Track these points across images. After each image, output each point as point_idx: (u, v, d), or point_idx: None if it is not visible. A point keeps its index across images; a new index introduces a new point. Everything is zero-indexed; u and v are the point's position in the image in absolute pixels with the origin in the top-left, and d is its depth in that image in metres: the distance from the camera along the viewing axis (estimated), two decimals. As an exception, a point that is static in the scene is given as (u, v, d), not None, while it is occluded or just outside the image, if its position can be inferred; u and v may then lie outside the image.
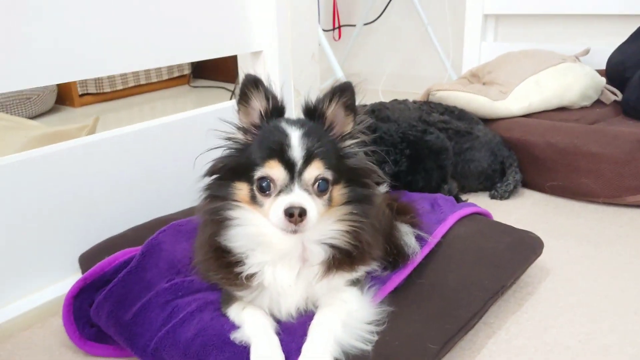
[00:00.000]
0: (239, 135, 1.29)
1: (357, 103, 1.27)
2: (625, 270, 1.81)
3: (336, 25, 5.04)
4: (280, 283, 1.26)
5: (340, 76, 3.51)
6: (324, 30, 4.89)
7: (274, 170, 1.17)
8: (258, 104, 1.27)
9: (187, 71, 5.62)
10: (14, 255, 1.67)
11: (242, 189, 1.24)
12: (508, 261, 1.64)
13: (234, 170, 1.25)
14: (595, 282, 1.74)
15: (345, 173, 1.25)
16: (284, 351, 1.21)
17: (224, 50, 2.23)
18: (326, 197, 1.21)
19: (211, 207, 1.28)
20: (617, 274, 1.79)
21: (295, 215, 1.12)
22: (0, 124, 2.78)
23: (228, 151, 1.28)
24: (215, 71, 5.53)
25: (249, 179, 1.21)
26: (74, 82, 4.73)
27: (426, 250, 1.60)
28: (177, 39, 2.02)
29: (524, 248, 1.73)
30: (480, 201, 2.39)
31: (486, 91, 2.83)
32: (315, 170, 1.18)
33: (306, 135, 1.20)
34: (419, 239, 1.61)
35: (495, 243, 1.70)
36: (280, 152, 1.18)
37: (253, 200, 1.22)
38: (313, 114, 1.27)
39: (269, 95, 1.27)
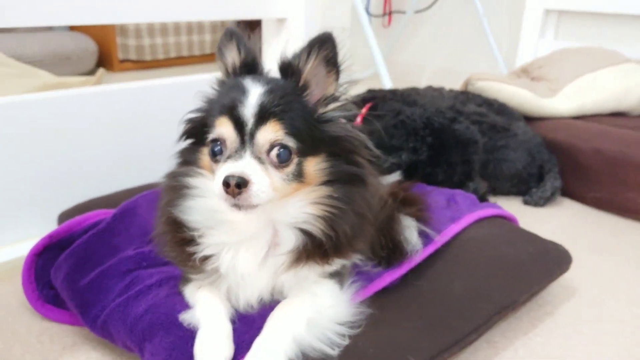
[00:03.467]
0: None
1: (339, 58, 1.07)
2: (667, 302, 1.59)
3: (387, 11, 4.80)
4: (240, 271, 1.09)
5: (380, 64, 3.23)
6: (374, 16, 4.69)
7: (224, 129, 1.02)
8: (231, 59, 1.14)
9: (230, 47, 5.52)
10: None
11: (205, 154, 1.09)
12: (527, 273, 1.43)
13: (199, 132, 1.10)
14: (627, 310, 1.55)
15: (323, 143, 1.06)
16: (235, 342, 1.05)
17: (243, 12, 2.07)
18: (289, 170, 1.02)
19: (172, 172, 1.15)
20: (657, 304, 1.58)
21: (232, 186, 0.95)
22: (3, 71, 2.71)
23: (196, 111, 1.14)
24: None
25: (207, 142, 1.07)
26: (115, 47, 4.73)
27: (430, 249, 1.41)
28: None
29: (548, 261, 1.51)
30: (512, 206, 2.16)
31: (533, 87, 2.56)
32: (270, 132, 1.00)
33: (268, 92, 1.02)
34: (424, 235, 1.41)
35: (515, 251, 1.48)
36: (231, 109, 1.02)
37: (212, 168, 1.08)
38: (287, 71, 1.09)
39: (240, 47, 1.12)
